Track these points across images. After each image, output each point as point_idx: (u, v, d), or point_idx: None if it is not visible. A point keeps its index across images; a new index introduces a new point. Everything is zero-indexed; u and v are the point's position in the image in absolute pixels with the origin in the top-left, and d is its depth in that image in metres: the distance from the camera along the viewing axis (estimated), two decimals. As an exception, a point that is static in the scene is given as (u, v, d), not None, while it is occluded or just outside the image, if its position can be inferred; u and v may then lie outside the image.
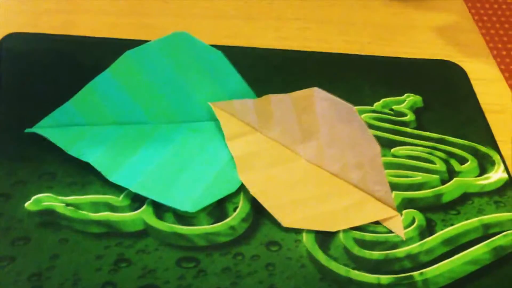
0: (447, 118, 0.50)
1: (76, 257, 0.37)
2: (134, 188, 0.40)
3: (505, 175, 0.46)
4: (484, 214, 0.43)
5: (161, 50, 0.44)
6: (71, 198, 0.39)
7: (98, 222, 0.39)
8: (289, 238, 0.40)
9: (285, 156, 0.44)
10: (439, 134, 0.49)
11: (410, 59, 0.55)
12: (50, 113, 0.42)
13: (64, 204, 0.39)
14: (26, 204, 0.39)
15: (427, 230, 0.42)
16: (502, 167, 0.47)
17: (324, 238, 0.40)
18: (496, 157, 0.48)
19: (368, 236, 0.41)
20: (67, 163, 0.41)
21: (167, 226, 0.39)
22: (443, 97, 0.52)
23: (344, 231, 0.41)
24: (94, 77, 0.43)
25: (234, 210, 0.41)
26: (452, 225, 0.42)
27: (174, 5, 0.57)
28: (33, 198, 0.39)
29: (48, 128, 0.42)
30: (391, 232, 0.41)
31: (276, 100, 0.43)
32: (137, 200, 0.40)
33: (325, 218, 0.41)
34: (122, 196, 0.40)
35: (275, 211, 0.40)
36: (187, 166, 0.42)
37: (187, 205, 0.40)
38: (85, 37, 0.51)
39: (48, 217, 0.38)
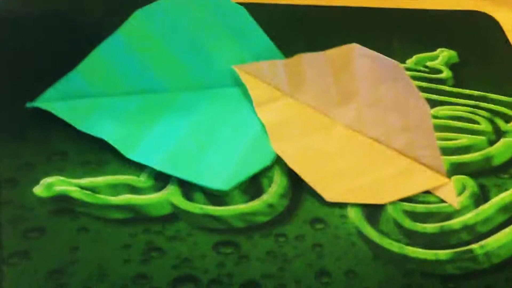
0: (487, 74, 0.46)
1: (99, 248, 0.32)
2: (157, 165, 0.35)
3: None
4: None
5: (175, 7, 0.38)
6: (86, 181, 0.35)
7: (119, 207, 0.34)
8: (334, 214, 0.36)
9: (321, 123, 0.39)
10: (480, 91, 0.44)
11: (440, 11, 0.50)
12: (53, 84, 0.37)
13: (78, 188, 0.34)
14: (36, 190, 0.34)
15: (481, 197, 0.38)
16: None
17: (372, 212, 0.36)
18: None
19: (419, 207, 0.37)
20: (78, 140, 0.36)
21: (198, 207, 0.35)
22: (478, 51, 0.47)
23: (392, 203, 0.37)
24: (98, 41, 0.38)
25: (270, 185, 0.37)
26: (506, 190, 0.38)
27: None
28: (43, 182, 0.34)
29: (53, 101, 0.37)
30: (443, 201, 0.37)
31: (309, 60, 0.39)
32: (161, 179, 0.36)
33: (371, 190, 0.36)
34: (143, 175, 0.36)
35: (316, 184, 0.36)
36: (214, 138, 0.37)
37: (219, 183, 0.35)
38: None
39: (63, 203, 0.34)
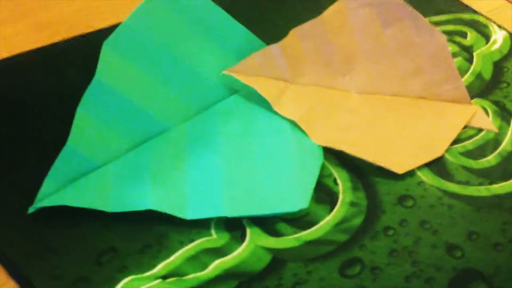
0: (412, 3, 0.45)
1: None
2: (224, 213, 0.29)
3: (504, 32, 0.43)
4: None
5: (139, 27, 0.31)
6: (160, 268, 0.27)
7: (218, 279, 0.27)
8: (412, 185, 0.33)
9: (335, 98, 0.35)
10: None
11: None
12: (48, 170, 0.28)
13: (160, 280, 0.27)
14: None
15: (504, 112, 0.37)
16: (494, 25, 0.44)
17: (438, 167, 0.34)
18: (482, 19, 0.44)
19: (468, 144, 0.35)
20: (112, 227, 0.29)
21: (292, 240, 0.29)
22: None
23: (447, 151, 0.34)
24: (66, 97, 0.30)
25: (335, 182, 0.32)
26: (515, 96, 0.38)
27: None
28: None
29: (57, 192, 0.28)
30: (481, 130, 0.36)
31: (303, 33, 0.34)
32: (233, 227, 0.30)
33: (424, 146, 0.34)
34: (213, 232, 0.29)
35: (381, 160, 0.33)
36: (257, 158, 0.32)
37: (297, 202, 0.30)
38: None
39: (155, 305, 0.26)
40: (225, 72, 0.34)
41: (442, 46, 0.35)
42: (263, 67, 0.34)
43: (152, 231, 0.29)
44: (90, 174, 0.29)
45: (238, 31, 0.34)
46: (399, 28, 0.35)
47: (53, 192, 0.28)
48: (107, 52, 0.30)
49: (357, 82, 0.36)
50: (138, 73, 0.31)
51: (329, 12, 0.34)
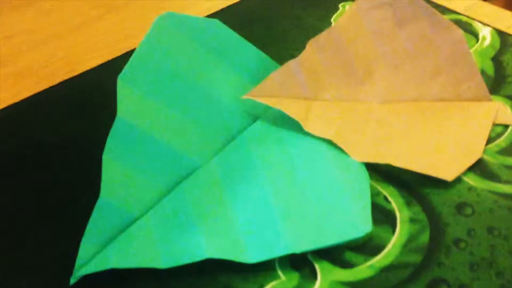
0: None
1: None
2: (286, 250, 0.25)
3: (488, 27, 0.42)
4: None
5: (152, 55, 0.27)
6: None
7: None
8: (464, 191, 0.30)
9: (360, 113, 0.33)
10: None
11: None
12: (83, 233, 0.24)
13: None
14: None
15: (520, 106, 0.36)
16: (477, 23, 0.43)
17: (482, 170, 0.32)
18: (463, 18, 0.43)
19: (501, 142, 0.33)
20: (175, 285, 0.24)
21: (367, 268, 0.26)
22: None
23: (484, 152, 0.32)
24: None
25: (386, 199, 0.29)
26: (525, 89, 0.37)
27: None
28: None
29: (99, 255, 0.24)
30: (507, 126, 0.34)
31: (319, 45, 0.32)
32: (300, 264, 0.26)
33: (463, 150, 0.32)
34: (279, 272, 0.25)
35: (430, 170, 0.30)
36: (304, 185, 0.28)
37: (360, 227, 0.27)
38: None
39: None
40: (245, 96, 0.30)
41: (460, 42, 0.33)
42: (283, 87, 0.31)
43: (216, 282, 0.25)
44: (130, 228, 0.25)
45: (251, 52, 0.31)
46: (415, 27, 0.32)
47: (94, 256, 0.24)
48: (124, 87, 0.26)
49: (376, 91, 0.33)
50: (159, 107, 0.27)
51: (343, 19, 0.32)
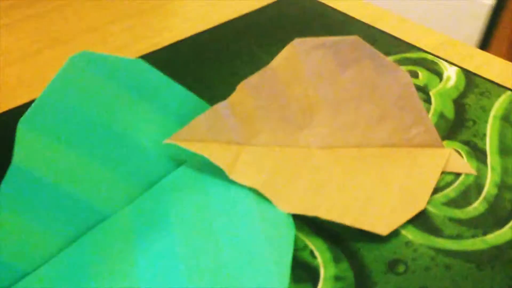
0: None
1: None
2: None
3: (454, 67, 0.40)
4: (497, 102, 0.37)
5: (60, 98, 0.26)
6: None
7: None
8: (397, 246, 0.28)
9: (296, 158, 0.31)
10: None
11: (265, 7, 0.44)
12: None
13: None
14: None
15: (477, 152, 0.34)
16: (443, 62, 0.41)
17: (423, 223, 0.29)
18: (429, 56, 0.41)
19: (450, 192, 0.31)
20: None
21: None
22: (325, 31, 0.43)
23: (428, 202, 0.30)
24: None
25: (312, 255, 0.27)
26: (484, 135, 0.35)
27: None
28: None
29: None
30: (458, 174, 0.32)
31: (252, 86, 0.30)
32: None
33: (403, 201, 0.30)
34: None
35: (362, 223, 0.28)
36: (218, 241, 0.26)
37: (274, 287, 0.25)
38: None
39: None
40: (167, 140, 0.29)
41: (407, 85, 0.31)
42: (211, 131, 0.29)
43: None
44: (19, 284, 0.23)
45: (176, 91, 0.29)
46: (358, 69, 0.31)
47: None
48: (24, 132, 0.24)
49: (317, 136, 0.31)
50: (65, 153, 0.25)
51: (279, 59, 0.30)
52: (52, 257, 0.25)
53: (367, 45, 0.30)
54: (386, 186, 0.30)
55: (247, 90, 0.30)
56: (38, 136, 0.25)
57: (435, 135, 0.32)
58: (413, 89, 0.31)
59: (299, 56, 0.30)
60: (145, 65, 0.28)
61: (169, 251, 0.25)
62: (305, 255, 0.27)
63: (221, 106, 0.29)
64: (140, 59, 0.28)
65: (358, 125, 0.32)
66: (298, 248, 0.27)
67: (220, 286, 0.24)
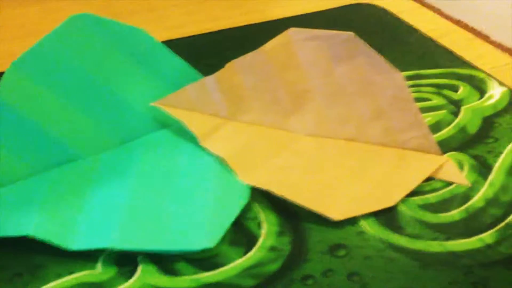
0: (399, 55, 0.42)
1: None
2: (113, 244, 0.26)
3: (504, 88, 0.39)
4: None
5: (54, 50, 0.29)
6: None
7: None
8: (350, 234, 0.28)
9: (281, 139, 0.32)
10: (407, 71, 0.40)
11: (326, 11, 0.46)
12: None
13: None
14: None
15: (483, 167, 0.32)
16: (494, 81, 0.39)
17: (388, 218, 0.29)
18: (481, 74, 0.40)
19: (431, 197, 0.30)
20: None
21: (189, 280, 0.25)
22: (380, 38, 0.43)
23: (403, 201, 0.30)
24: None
25: (259, 226, 0.28)
26: (501, 153, 0.33)
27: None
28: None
29: None
30: (450, 183, 0.31)
31: (243, 66, 0.31)
32: (124, 263, 0.26)
33: (374, 194, 0.30)
34: (98, 265, 0.26)
35: (316, 205, 0.28)
36: (170, 193, 0.28)
37: (201, 241, 0.26)
38: None
39: None
40: (154, 103, 0.31)
41: (402, 88, 0.31)
42: (198, 101, 0.31)
43: (28, 260, 0.26)
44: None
45: (173, 61, 0.32)
46: (352, 66, 0.31)
47: None
48: (13, 72, 0.28)
49: (307, 123, 0.32)
50: (50, 97, 0.29)
51: (272, 44, 0.31)
52: (16, 181, 0.28)
53: (362, 43, 0.31)
54: (357, 179, 0.30)
55: (237, 68, 0.31)
56: (27, 78, 0.29)
57: (432, 141, 0.32)
58: (408, 92, 0.31)
59: (293, 44, 0.31)
60: (145, 34, 0.31)
61: (116, 197, 0.28)
62: (252, 225, 0.28)
63: (208, 80, 0.31)
64: (143, 29, 0.31)
65: (351, 119, 0.32)
66: (249, 217, 0.29)
67: (150, 228, 0.26)
